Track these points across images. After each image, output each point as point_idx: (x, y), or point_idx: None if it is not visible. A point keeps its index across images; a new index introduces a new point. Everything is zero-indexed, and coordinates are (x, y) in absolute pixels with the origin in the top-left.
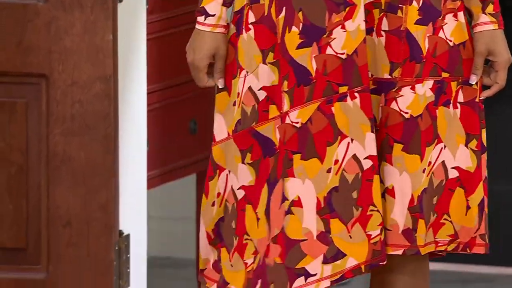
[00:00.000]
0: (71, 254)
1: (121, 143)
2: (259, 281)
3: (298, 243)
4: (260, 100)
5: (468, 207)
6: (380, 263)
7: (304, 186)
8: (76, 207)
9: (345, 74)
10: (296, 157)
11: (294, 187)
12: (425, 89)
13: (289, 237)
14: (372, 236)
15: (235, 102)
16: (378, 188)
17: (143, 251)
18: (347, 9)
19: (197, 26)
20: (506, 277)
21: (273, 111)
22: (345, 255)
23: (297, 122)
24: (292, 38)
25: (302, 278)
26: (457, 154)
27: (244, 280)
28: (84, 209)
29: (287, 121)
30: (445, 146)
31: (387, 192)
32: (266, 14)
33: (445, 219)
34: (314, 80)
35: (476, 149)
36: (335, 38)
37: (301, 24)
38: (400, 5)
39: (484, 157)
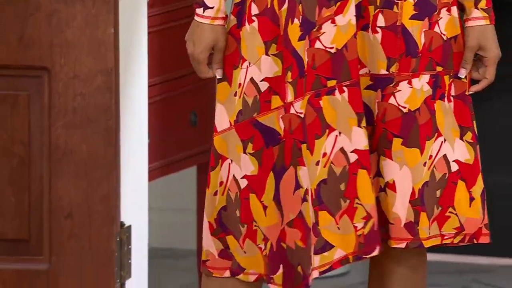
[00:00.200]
0: (73, 245)
1: (122, 135)
2: (281, 265)
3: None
4: (262, 91)
5: (472, 199)
6: (365, 256)
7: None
8: (77, 199)
9: (334, 68)
10: (304, 147)
11: (305, 176)
12: (422, 83)
13: (307, 224)
14: (358, 228)
15: (236, 92)
16: (365, 182)
17: (144, 242)
18: (338, 4)
19: (196, 18)
20: (502, 268)
21: (275, 101)
22: (333, 246)
23: (301, 113)
24: (294, 29)
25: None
26: (454, 147)
27: (263, 264)
28: (85, 201)
29: (292, 111)
30: (445, 140)
31: (388, 187)
32: (269, 6)
33: (450, 212)
34: (306, 73)
35: (472, 141)
36: (324, 33)
37: (301, 16)
38: (396, 1)
39: (478, 148)
